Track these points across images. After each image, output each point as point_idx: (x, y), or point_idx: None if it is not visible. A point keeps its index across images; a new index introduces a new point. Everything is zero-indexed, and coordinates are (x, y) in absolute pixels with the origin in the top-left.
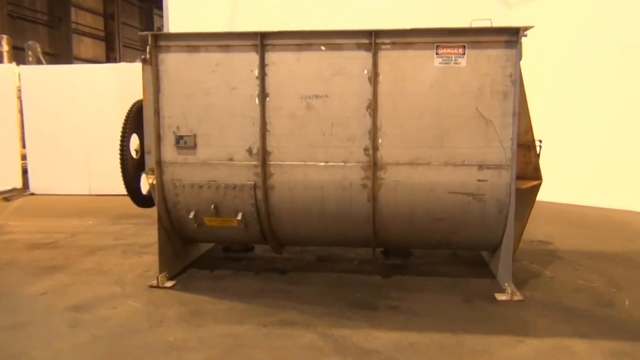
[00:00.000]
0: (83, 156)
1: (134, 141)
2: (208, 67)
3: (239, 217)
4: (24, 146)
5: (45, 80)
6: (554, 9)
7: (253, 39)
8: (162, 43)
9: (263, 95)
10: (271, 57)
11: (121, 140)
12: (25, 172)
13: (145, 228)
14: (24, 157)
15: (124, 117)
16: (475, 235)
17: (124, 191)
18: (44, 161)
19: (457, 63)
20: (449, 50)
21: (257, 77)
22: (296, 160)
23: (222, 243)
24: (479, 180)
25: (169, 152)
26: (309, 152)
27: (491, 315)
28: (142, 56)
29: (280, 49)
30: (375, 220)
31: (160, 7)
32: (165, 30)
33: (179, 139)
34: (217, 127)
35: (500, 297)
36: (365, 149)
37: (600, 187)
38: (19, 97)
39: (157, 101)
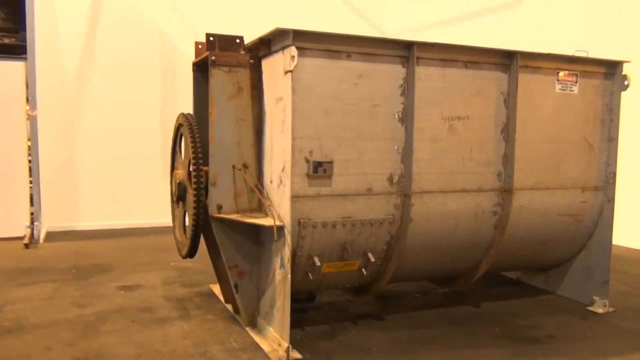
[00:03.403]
0: None
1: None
2: (349, 78)
3: (371, 257)
4: None
5: None
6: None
7: (401, 49)
8: (297, 43)
9: (407, 114)
10: (417, 71)
11: (194, 167)
12: None
13: (86, 284)
14: None
15: (188, 133)
16: (559, 255)
17: None
18: None
19: (571, 90)
20: (567, 78)
21: (402, 94)
22: (436, 189)
23: (315, 291)
24: (581, 202)
25: (297, 182)
26: (448, 179)
27: (626, 330)
28: (212, 57)
29: (427, 63)
30: (496, 247)
31: None
32: (29, 25)
33: (316, 166)
34: (357, 151)
35: (598, 309)
36: (499, 175)
37: None
38: None
39: (287, 117)
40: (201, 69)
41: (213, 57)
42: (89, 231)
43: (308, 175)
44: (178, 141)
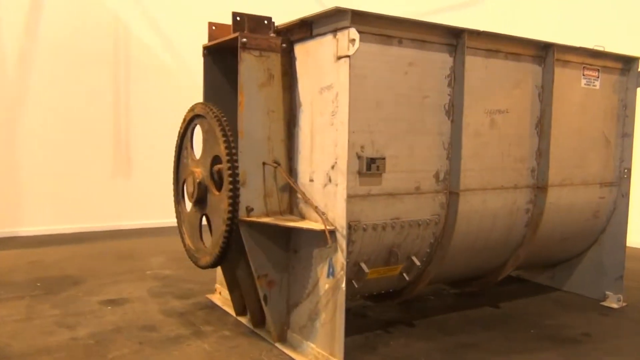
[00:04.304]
0: None
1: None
2: (400, 66)
3: (416, 261)
4: None
5: None
6: None
7: (449, 37)
8: (354, 26)
9: (455, 107)
10: (464, 61)
11: (229, 165)
12: None
13: (61, 300)
14: None
15: (217, 126)
16: (574, 250)
17: None
18: None
19: (594, 85)
20: (590, 73)
21: (448, 85)
22: (477, 186)
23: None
24: (599, 198)
25: (350, 181)
26: (489, 176)
27: None
28: (243, 39)
29: (473, 53)
30: (525, 246)
31: None
32: None
33: (369, 163)
34: (407, 146)
35: (612, 304)
36: (532, 171)
37: None
38: None
39: (340, 108)
40: (213, 54)
41: (244, 39)
42: (35, 237)
43: (359, 172)
44: (189, 135)
